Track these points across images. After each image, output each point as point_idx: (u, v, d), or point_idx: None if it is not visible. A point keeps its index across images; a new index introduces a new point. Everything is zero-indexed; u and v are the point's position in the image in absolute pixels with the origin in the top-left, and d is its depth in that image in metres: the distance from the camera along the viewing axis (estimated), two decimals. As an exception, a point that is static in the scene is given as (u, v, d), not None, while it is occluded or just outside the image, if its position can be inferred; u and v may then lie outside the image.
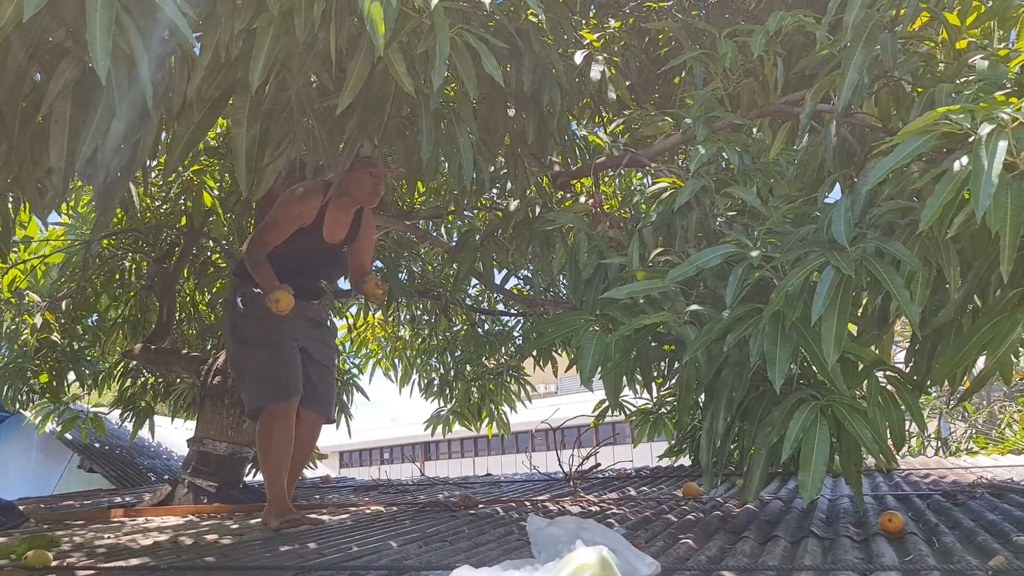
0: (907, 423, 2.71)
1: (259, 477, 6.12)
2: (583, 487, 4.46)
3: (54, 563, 2.52)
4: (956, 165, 1.78)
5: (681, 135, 3.03)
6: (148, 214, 5.67)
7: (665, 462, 5.60)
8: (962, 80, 2.25)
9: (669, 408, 4.69)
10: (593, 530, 1.73)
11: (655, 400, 4.77)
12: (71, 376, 5.87)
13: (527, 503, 3.75)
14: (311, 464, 6.86)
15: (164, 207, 5.74)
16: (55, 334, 5.71)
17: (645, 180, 4.94)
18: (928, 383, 2.39)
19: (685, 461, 5.45)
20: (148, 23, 1.48)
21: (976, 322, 2.09)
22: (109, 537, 3.36)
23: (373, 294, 3.36)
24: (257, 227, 3.17)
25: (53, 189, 1.68)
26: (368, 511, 4.05)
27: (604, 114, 4.10)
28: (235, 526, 3.63)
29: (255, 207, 4.50)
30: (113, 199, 1.89)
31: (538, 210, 3.68)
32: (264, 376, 3.24)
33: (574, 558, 1.21)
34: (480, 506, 3.86)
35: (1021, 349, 2.11)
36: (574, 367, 2.42)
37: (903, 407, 2.24)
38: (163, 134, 2.23)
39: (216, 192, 5.13)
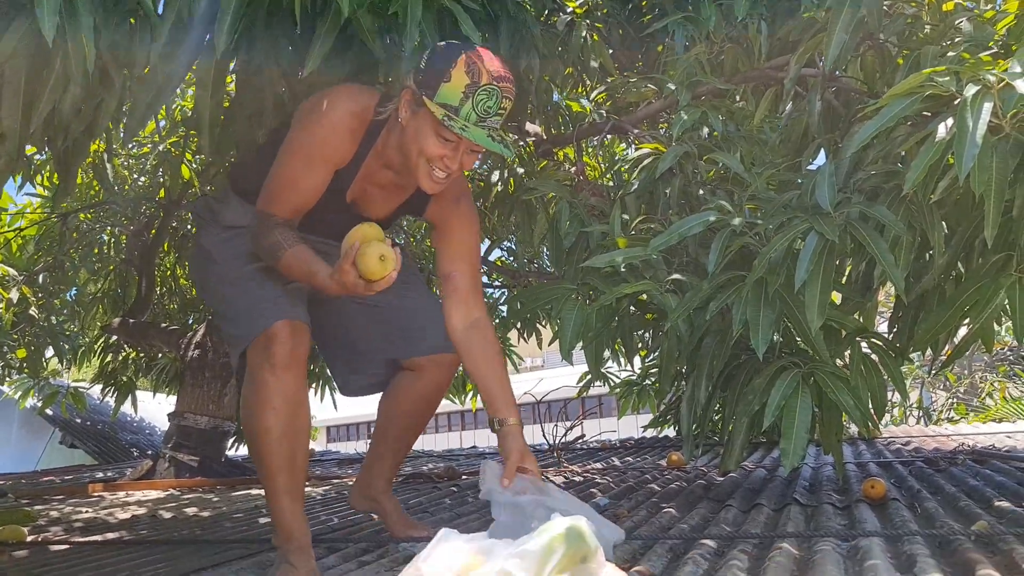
0: (889, 392, 2.70)
1: (243, 451, 6.10)
2: (567, 458, 4.46)
3: (29, 538, 2.49)
4: (941, 128, 1.74)
5: (664, 101, 2.98)
6: (126, 186, 5.58)
7: (650, 433, 5.62)
8: (948, 42, 2.21)
9: (653, 379, 4.68)
10: (555, 496, 1.68)
11: (639, 371, 4.77)
12: (49, 351, 5.80)
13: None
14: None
15: (142, 179, 5.65)
16: (32, 308, 5.63)
17: (628, 151, 4.90)
18: (911, 349, 2.38)
19: (670, 432, 5.46)
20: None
21: (959, 288, 2.06)
22: (87, 511, 3.33)
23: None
24: (265, 187, 1.81)
25: (7, 155, 1.62)
26: (350, 483, 4.03)
27: (587, 82, 4.04)
28: (216, 500, 3.61)
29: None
30: (73, 165, 1.83)
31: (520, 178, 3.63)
32: (242, 301, 1.88)
33: (551, 529, 1.18)
34: (463, 477, 3.85)
35: (1003, 316, 2.09)
36: (556, 339, 2.39)
37: (885, 375, 2.23)
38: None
39: (194, 165, 5.04)
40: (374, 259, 1.59)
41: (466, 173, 2.01)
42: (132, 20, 1.62)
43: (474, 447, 6.86)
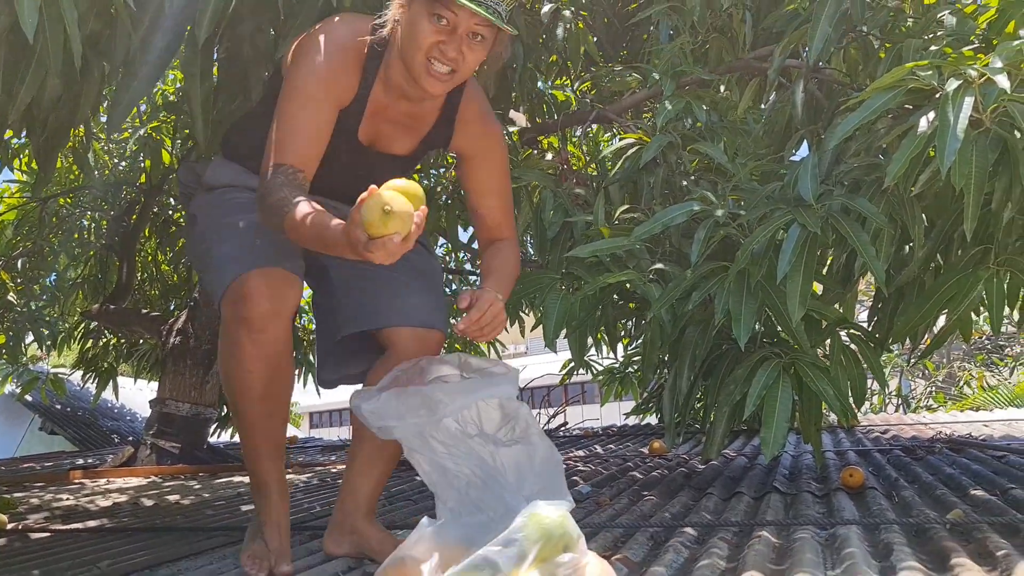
0: (868, 380, 2.74)
1: (225, 437, 6.09)
2: (550, 445, 4.47)
3: (9, 526, 2.48)
4: (923, 121, 1.76)
5: (648, 91, 2.99)
6: (106, 171, 5.53)
7: (632, 420, 5.65)
8: (930, 35, 2.23)
9: (636, 367, 4.71)
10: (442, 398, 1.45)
11: (622, 359, 4.79)
12: (29, 337, 5.75)
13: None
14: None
15: (122, 164, 5.60)
16: (11, 294, 5.58)
17: (613, 141, 4.90)
18: (890, 340, 2.40)
19: (652, 419, 5.50)
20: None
21: (938, 280, 2.09)
22: (68, 499, 3.31)
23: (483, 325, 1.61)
24: (268, 143, 1.61)
25: (-13, 142, 1.60)
26: (334, 470, 4.04)
27: (571, 70, 4.03)
28: (198, 487, 3.60)
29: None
30: (53, 155, 1.81)
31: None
32: (219, 249, 1.69)
33: (533, 517, 1.19)
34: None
35: (981, 308, 2.12)
36: (540, 327, 2.40)
37: (865, 365, 2.25)
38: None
39: (175, 149, 5.00)
40: (376, 210, 1.25)
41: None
42: (113, 10, 1.60)
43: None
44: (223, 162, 1.84)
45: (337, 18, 1.68)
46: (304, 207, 1.44)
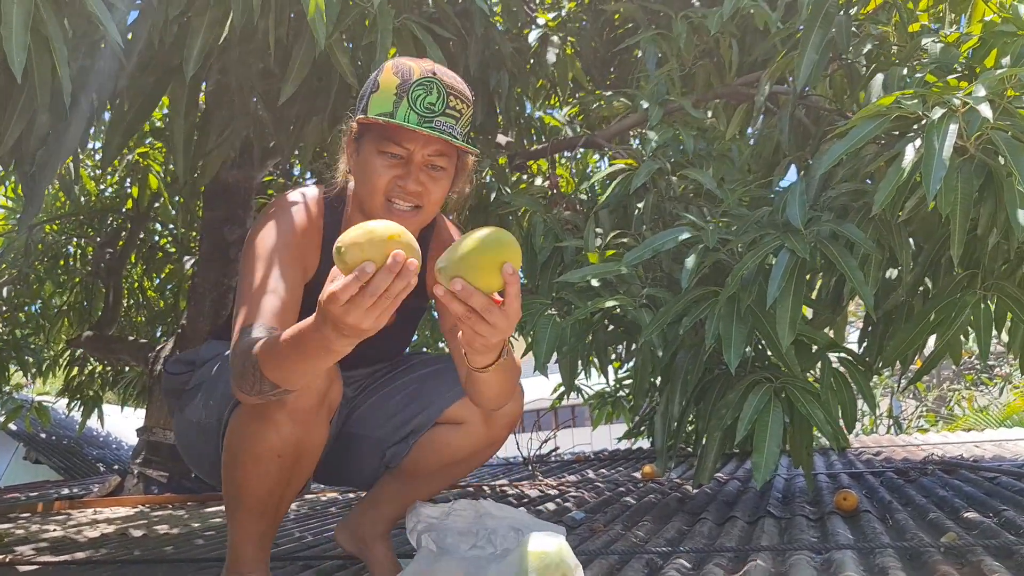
0: (859, 403, 2.75)
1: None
2: (541, 470, 4.46)
3: (-4, 559, 2.44)
4: (909, 149, 1.78)
5: (637, 116, 3.02)
6: (93, 198, 5.52)
7: (624, 444, 5.64)
8: (915, 63, 2.26)
9: (627, 391, 4.71)
10: (492, 512, 1.46)
11: (613, 383, 4.79)
12: (13, 365, 5.71)
13: (484, 487, 3.74)
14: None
15: (109, 191, 5.59)
16: (-4, 322, 5.55)
17: (600, 164, 4.93)
18: (880, 364, 2.42)
19: (644, 443, 5.48)
20: (70, 14, 1.40)
21: (927, 304, 2.11)
22: (55, 530, 3.27)
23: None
24: (235, 311, 1.44)
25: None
26: (324, 498, 4.00)
27: (559, 95, 4.07)
28: (186, 516, 3.56)
29: (203, 191, 4.39)
30: (41, 188, 1.80)
31: (494, 194, 3.65)
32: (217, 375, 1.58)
33: (531, 547, 1.19)
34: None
35: (969, 330, 2.14)
36: (531, 352, 2.40)
37: (855, 388, 2.27)
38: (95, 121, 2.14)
39: (163, 175, 5.00)
40: (337, 261, 1.06)
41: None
42: (103, 45, 1.61)
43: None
44: (214, 342, 1.71)
45: (284, 194, 1.58)
46: (273, 337, 1.23)
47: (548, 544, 1.21)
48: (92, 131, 1.86)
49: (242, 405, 1.42)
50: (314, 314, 1.13)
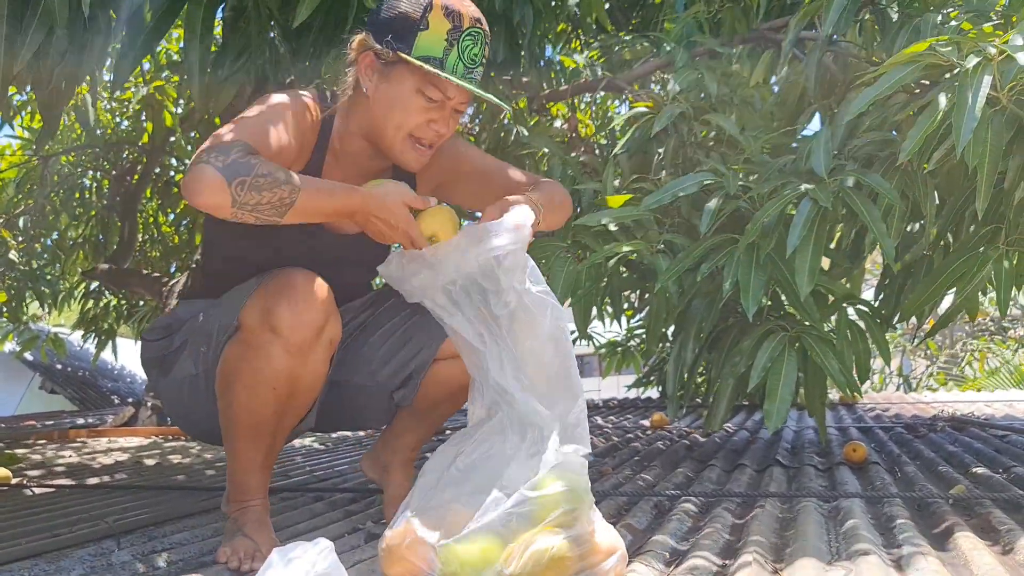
0: (872, 359, 2.73)
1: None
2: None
3: (14, 480, 2.49)
4: (942, 98, 1.74)
5: (660, 60, 2.95)
6: (108, 131, 5.49)
7: (633, 393, 5.67)
8: (949, 11, 2.20)
9: (638, 340, 4.71)
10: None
11: (624, 332, 4.79)
12: (30, 296, 5.75)
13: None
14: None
15: (125, 123, 5.56)
16: (12, 252, 5.57)
17: (619, 109, 4.86)
18: (897, 318, 2.40)
19: (653, 393, 5.51)
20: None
21: (947, 258, 2.08)
22: (71, 456, 3.33)
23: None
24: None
25: (-10, 97, 1.58)
26: (334, 435, 4.05)
27: (582, 38, 3.99)
28: (198, 448, 3.62)
29: (219, 124, 4.36)
30: (58, 109, 1.78)
31: (513, 135, 3.60)
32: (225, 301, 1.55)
33: (547, 482, 1.19)
34: (447, 431, 3.88)
35: (989, 287, 2.11)
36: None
37: (870, 341, 2.25)
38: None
39: (179, 109, 4.96)
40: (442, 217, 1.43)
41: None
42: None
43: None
44: (190, 301, 1.69)
45: (279, 91, 1.55)
46: (307, 176, 1.37)
47: (569, 483, 1.21)
48: (109, 51, 1.83)
49: (236, 339, 1.43)
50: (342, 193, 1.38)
